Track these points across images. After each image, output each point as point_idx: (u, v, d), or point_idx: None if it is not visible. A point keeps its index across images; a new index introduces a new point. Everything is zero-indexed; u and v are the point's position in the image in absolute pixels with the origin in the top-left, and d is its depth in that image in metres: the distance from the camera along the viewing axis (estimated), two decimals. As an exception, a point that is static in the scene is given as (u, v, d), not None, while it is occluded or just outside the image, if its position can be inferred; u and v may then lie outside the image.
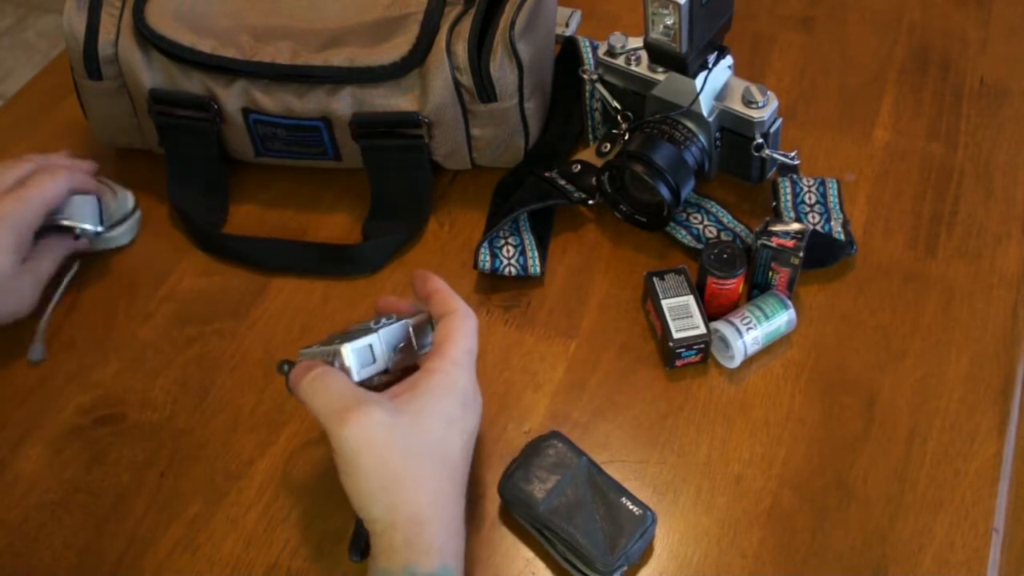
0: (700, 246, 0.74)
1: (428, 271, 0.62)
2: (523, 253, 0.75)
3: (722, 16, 0.71)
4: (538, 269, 0.75)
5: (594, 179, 0.76)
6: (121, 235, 0.79)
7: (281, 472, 0.66)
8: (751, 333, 0.68)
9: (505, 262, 0.74)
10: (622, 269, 0.76)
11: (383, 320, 0.60)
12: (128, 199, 0.80)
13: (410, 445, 0.53)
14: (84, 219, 0.74)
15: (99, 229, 0.75)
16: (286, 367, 0.59)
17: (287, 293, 0.76)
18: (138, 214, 0.80)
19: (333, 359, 0.57)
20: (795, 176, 0.78)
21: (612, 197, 0.76)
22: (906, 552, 0.60)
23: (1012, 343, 0.70)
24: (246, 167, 0.83)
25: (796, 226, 0.69)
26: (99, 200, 0.76)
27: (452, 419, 0.55)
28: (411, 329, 0.60)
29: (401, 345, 0.59)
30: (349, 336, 0.59)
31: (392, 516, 0.52)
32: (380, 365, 0.58)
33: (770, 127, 0.74)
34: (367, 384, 0.58)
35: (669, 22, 0.67)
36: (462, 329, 0.58)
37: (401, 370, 0.60)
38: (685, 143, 0.73)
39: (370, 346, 0.58)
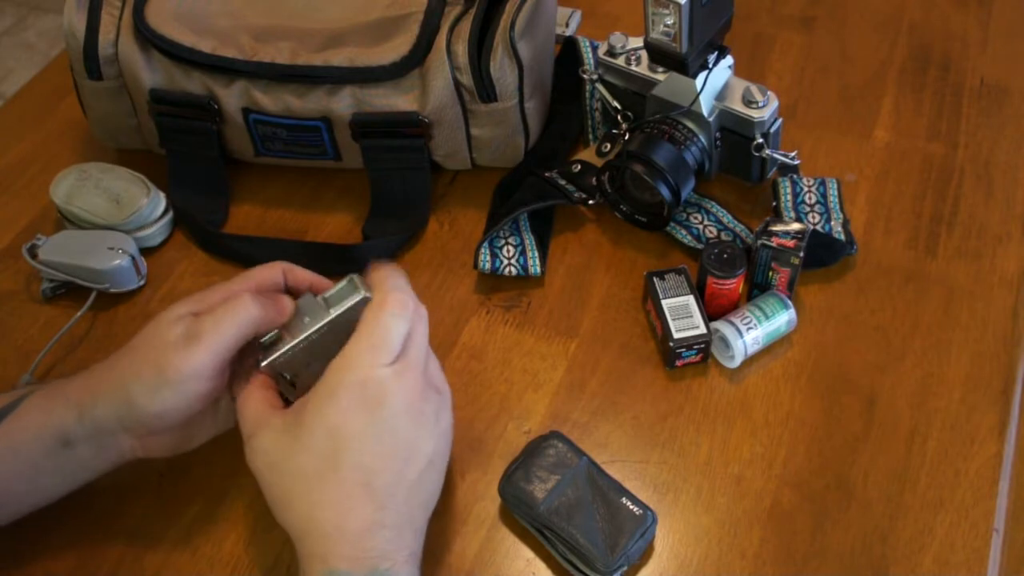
0: (700, 246, 0.74)
1: (379, 260, 0.58)
2: (523, 253, 0.75)
3: (722, 16, 0.71)
4: (538, 269, 0.75)
5: (594, 179, 0.76)
6: (153, 235, 0.79)
7: (281, 472, 0.66)
8: (751, 333, 0.68)
9: (505, 262, 0.74)
10: (622, 269, 0.76)
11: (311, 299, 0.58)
12: (161, 200, 0.79)
13: (289, 462, 0.53)
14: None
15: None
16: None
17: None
18: (170, 215, 0.80)
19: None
20: (795, 176, 0.78)
21: (612, 197, 0.76)
22: (906, 552, 0.60)
23: (1012, 343, 0.70)
24: (246, 167, 0.83)
25: (796, 226, 0.70)
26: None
27: (335, 426, 0.52)
28: (326, 300, 0.57)
29: (317, 319, 0.57)
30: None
31: (292, 531, 0.53)
32: (287, 344, 0.56)
33: (770, 127, 0.74)
34: (286, 367, 0.57)
35: (669, 22, 0.67)
36: (365, 320, 0.53)
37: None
38: (685, 143, 0.73)
39: (279, 330, 0.57)
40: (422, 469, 0.55)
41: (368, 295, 0.56)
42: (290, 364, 0.57)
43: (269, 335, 0.58)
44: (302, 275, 0.62)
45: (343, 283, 0.58)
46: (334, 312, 0.57)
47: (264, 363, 0.57)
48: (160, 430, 0.58)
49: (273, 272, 0.61)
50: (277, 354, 0.57)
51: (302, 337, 0.57)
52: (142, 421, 0.57)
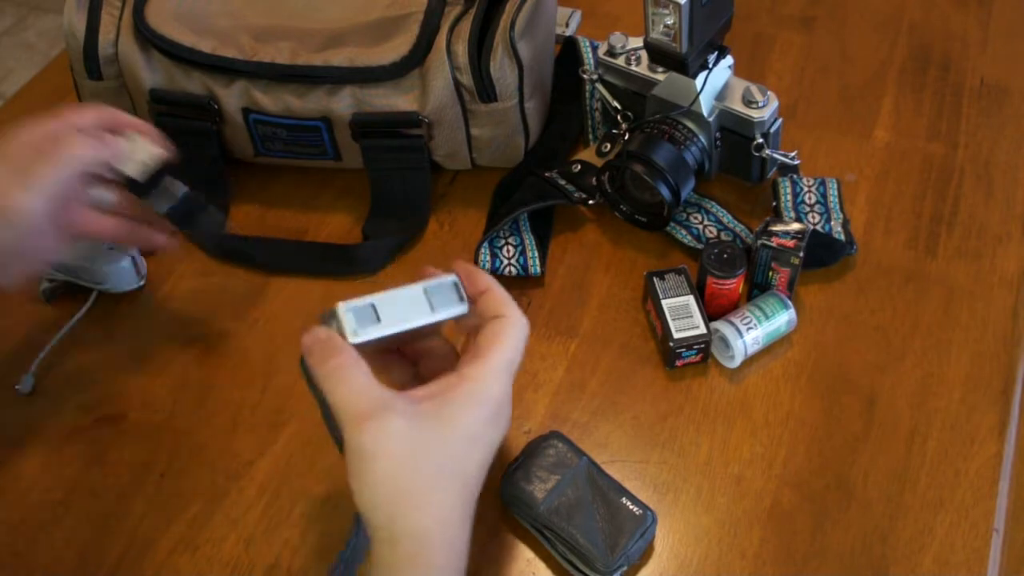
0: (700, 246, 0.74)
1: (473, 266, 0.56)
2: (523, 253, 0.75)
3: (722, 16, 0.71)
4: (538, 269, 0.75)
5: (594, 179, 0.76)
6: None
7: (281, 472, 0.66)
8: (751, 333, 0.68)
9: (505, 262, 0.74)
10: (622, 269, 0.76)
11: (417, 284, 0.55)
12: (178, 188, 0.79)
13: (425, 458, 0.50)
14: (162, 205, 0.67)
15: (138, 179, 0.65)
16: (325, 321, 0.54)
17: (287, 293, 0.76)
18: None
19: (330, 320, 0.53)
20: (795, 176, 0.78)
21: (612, 197, 0.76)
22: (906, 552, 0.60)
23: (1012, 343, 0.70)
24: (246, 167, 0.83)
25: (796, 226, 0.70)
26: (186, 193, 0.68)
27: (476, 435, 0.52)
28: (429, 296, 0.54)
29: (418, 317, 0.54)
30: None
31: (394, 528, 0.49)
32: (383, 329, 0.53)
33: (770, 127, 0.74)
34: (366, 347, 0.54)
35: (669, 22, 0.67)
36: (510, 337, 0.53)
37: (435, 366, 0.57)
38: (685, 143, 0.73)
39: (372, 305, 0.53)
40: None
41: (467, 308, 0.55)
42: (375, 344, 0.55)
43: (331, 310, 0.54)
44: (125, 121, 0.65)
45: (445, 281, 0.55)
46: (438, 316, 0.54)
47: (356, 341, 0.53)
48: None
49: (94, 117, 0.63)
50: (372, 338, 0.53)
51: (401, 329, 0.54)
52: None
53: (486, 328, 0.54)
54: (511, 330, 0.53)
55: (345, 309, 0.52)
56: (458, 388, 0.52)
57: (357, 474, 0.50)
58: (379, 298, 0.53)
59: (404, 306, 0.54)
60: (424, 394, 0.52)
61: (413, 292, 0.54)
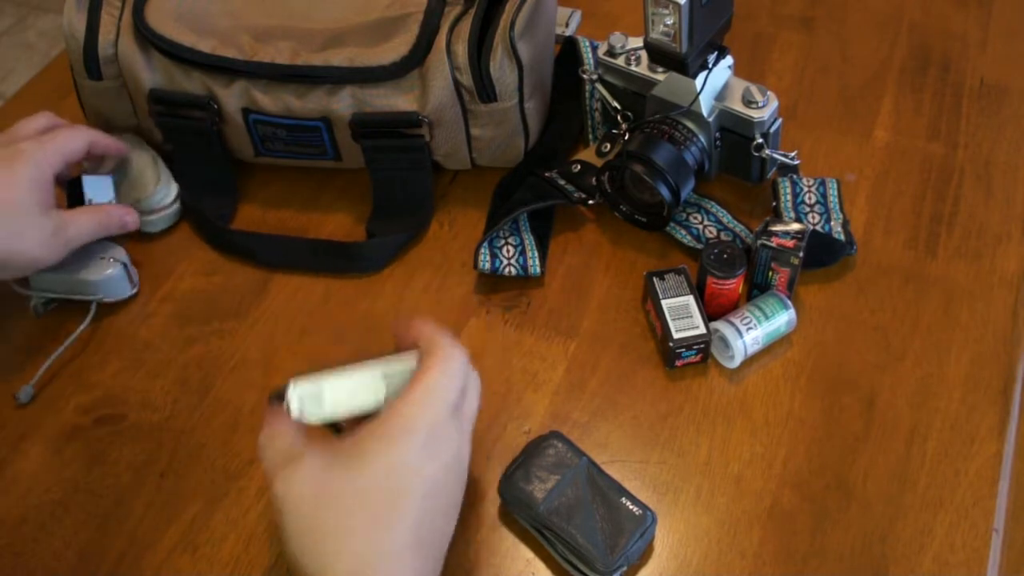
0: (700, 246, 0.74)
1: (407, 317, 0.56)
2: (523, 253, 0.75)
3: (722, 16, 0.71)
4: (538, 269, 0.75)
5: (594, 179, 0.76)
6: (154, 223, 0.80)
7: (281, 472, 0.66)
8: (751, 333, 0.68)
9: (505, 262, 0.74)
10: (622, 269, 0.76)
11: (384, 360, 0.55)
12: (171, 191, 0.80)
13: (335, 499, 0.48)
14: (98, 195, 0.76)
15: (111, 199, 0.76)
16: (275, 400, 0.54)
17: (288, 293, 0.76)
18: (176, 207, 0.80)
19: (281, 396, 0.53)
20: (795, 176, 0.78)
21: (612, 197, 0.76)
22: (906, 552, 0.60)
23: (1012, 343, 0.70)
24: (246, 167, 0.83)
25: (796, 226, 0.70)
26: (113, 178, 0.77)
27: (400, 467, 0.49)
28: (386, 381, 0.54)
29: (367, 402, 0.54)
30: (340, 371, 0.55)
31: (327, 573, 0.47)
32: (327, 413, 0.54)
33: (770, 127, 0.74)
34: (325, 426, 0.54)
35: (669, 22, 0.67)
36: (434, 367, 0.52)
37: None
38: (685, 143, 0.73)
39: (321, 389, 0.53)
40: (453, 518, 0.53)
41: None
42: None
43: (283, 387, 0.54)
44: (104, 140, 0.75)
45: (406, 368, 0.54)
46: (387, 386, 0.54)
47: (300, 422, 0.53)
48: None
49: (78, 141, 0.73)
50: (315, 421, 0.53)
51: (347, 414, 0.54)
52: (11, 273, 0.70)
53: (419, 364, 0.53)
54: (435, 361, 0.52)
55: (293, 391, 0.53)
56: (377, 423, 0.50)
57: (278, 527, 0.50)
58: (332, 381, 0.54)
59: (356, 390, 0.54)
60: (345, 437, 0.51)
61: (370, 375, 0.54)
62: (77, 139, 0.72)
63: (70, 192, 0.76)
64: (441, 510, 0.51)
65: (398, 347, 0.57)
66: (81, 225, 0.71)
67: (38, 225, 0.68)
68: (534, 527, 0.60)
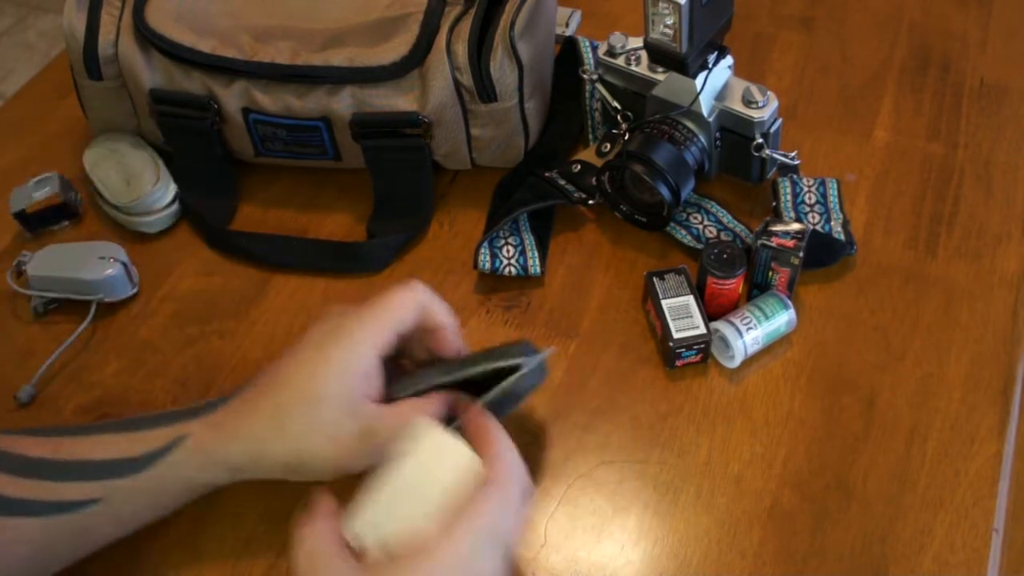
0: (700, 246, 0.74)
1: (485, 421, 0.52)
2: (523, 253, 0.75)
3: (722, 16, 0.71)
4: (538, 269, 0.75)
5: (594, 179, 0.76)
6: (152, 223, 0.80)
7: (281, 472, 0.66)
8: (751, 333, 0.68)
9: (505, 262, 0.74)
10: (622, 269, 0.76)
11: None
12: (169, 191, 0.80)
13: None
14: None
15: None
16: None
17: (287, 293, 0.76)
18: (175, 208, 0.80)
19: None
20: (795, 176, 0.78)
21: (612, 197, 0.76)
22: (906, 552, 0.60)
23: (1012, 343, 0.70)
24: (246, 167, 0.83)
25: (796, 226, 0.70)
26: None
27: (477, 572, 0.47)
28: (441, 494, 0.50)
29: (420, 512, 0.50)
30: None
31: None
32: (383, 535, 0.50)
33: (770, 127, 0.74)
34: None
35: (669, 22, 0.67)
36: (483, 502, 0.48)
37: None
38: (685, 143, 0.73)
39: (377, 518, 0.50)
40: None
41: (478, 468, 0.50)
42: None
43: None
44: (435, 312, 0.57)
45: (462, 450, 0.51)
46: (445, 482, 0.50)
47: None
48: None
49: (408, 308, 0.57)
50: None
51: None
52: (305, 476, 0.56)
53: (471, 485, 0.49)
54: (487, 493, 0.48)
55: (355, 528, 0.50)
56: (411, 555, 0.47)
57: None
58: (388, 505, 0.50)
59: (411, 503, 0.50)
60: (381, 565, 0.48)
61: (430, 486, 0.50)
62: (408, 304, 0.57)
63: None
64: None
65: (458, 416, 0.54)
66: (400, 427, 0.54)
67: (339, 425, 0.54)
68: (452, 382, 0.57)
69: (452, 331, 0.59)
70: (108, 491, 0.55)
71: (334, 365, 0.54)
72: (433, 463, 0.51)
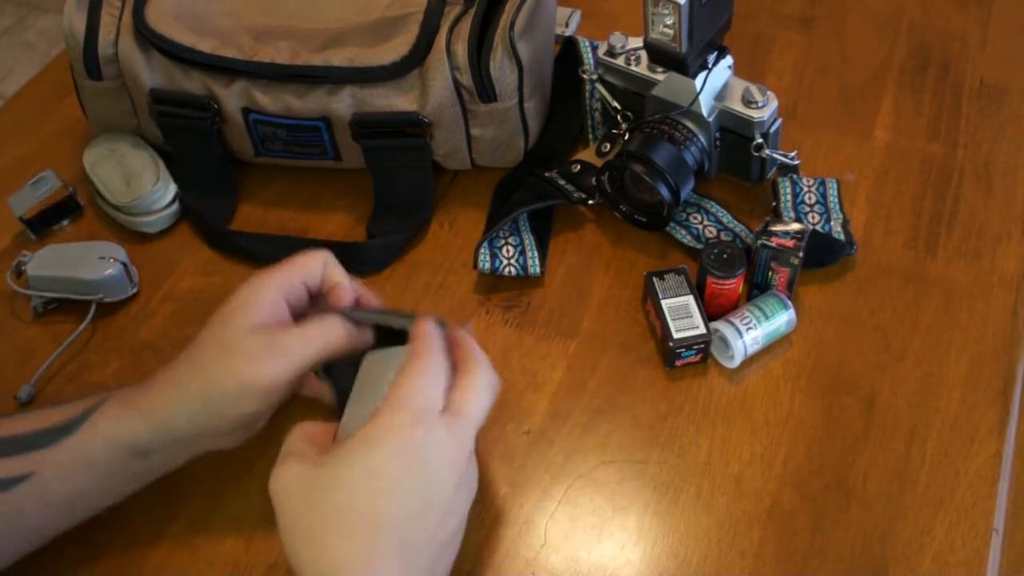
0: (700, 246, 0.74)
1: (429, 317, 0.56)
2: (523, 253, 0.75)
3: (722, 16, 0.71)
4: (538, 269, 0.75)
5: (594, 179, 0.76)
6: (152, 223, 0.80)
7: (281, 472, 0.65)
8: (751, 333, 0.68)
9: (505, 262, 0.74)
10: (622, 269, 0.76)
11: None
12: (169, 191, 0.80)
13: (319, 499, 0.49)
14: None
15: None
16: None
17: (287, 293, 0.76)
18: (175, 208, 0.80)
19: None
20: (795, 176, 0.78)
21: (612, 197, 0.76)
22: (906, 552, 0.60)
23: (1012, 343, 0.70)
24: (246, 167, 0.83)
25: (796, 226, 0.70)
26: None
27: (378, 475, 0.49)
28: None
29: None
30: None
31: (306, 573, 0.49)
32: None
33: (770, 127, 0.74)
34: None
35: (669, 22, 0.67)
36: (407, 373, 0.52)
37: None
38: (685, 143, 0.73)
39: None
40: (453, 531, 0.52)
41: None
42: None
43: None
44: (334, 271, 0.62)
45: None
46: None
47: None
48: (237, 431, 0.58)
49: (314, 262, 0.61)
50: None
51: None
52: (220, 428, 0.57)
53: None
54: (408, 366, 0.53)
55: None
56: (363, 426, 0.51)
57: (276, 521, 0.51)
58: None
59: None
60: (341, 440, 0.52)
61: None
62: (314, 257, 0.62)
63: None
64: (430, 513, 0.51)
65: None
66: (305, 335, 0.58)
67: (246, 341, 0.57)
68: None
69: (347, 287, 0.62)
70: (37, 464, 0.55)
71: (239, 300, 0.58)
72: (379, 371, 0.56)
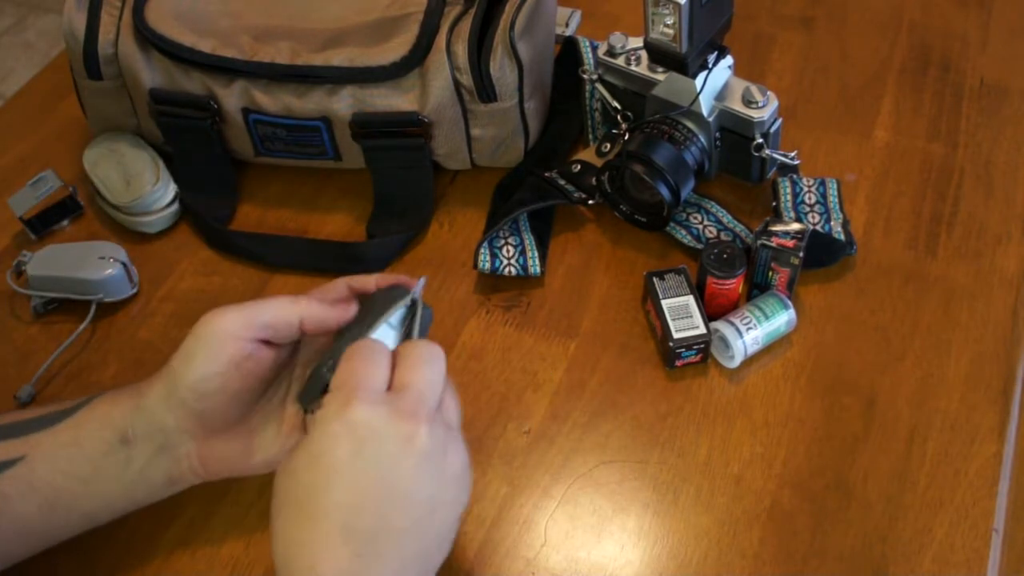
0: (700, 246, 0.74)
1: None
2: (523, 253, 0.75)
3: (722, 16, 0.71)
4: (538, 269, 0.75)
5: (594, 179, 0.76)
6: (152, 223, 0.80)
7: (281, 472, 0.65)
8: (751, 333, 0.68)
9: (505, 262, 0.74)
10: (622, 269, 0.76)
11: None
12: (169, 191, 0.80)
13: (276, 489, 0.51)
14: None
15: None
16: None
17: (287, 293, 0.76)
18: (175, 208, 0.80)
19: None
20: (795, 176, 0.78)
21: (612, 197, 0.76)
22: (906, 552, 0.60)
23: (1012, 343, 0.70)
24: (246, 167, 0.83)
25: (796, 226, 0.69)
26: None
27: (321, 455, 0.49)
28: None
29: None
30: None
31: (275, 561, 0.51)
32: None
33: (770, 127, 0.74)
34: None
35: (669, 22, 0.67)
36: (348, 358, 0.52)
37: None
38: (685, 143, 0.73)
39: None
40: (418, 517, 0.50)
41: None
42: None
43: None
44: (325, 317, 0.59)
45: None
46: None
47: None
48: (206, 411, 0.56)
49: (337, 289, 0.60)
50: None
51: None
52: (183, 399, 0.56)
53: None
54: (348, 350, 0.52)
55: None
56: (309, 417, 0.53)
57: None
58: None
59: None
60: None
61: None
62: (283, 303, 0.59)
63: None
64: (377, 497, 0.49)
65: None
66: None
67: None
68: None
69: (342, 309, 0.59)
70: (30, 447, 0.56)
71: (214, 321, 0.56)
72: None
